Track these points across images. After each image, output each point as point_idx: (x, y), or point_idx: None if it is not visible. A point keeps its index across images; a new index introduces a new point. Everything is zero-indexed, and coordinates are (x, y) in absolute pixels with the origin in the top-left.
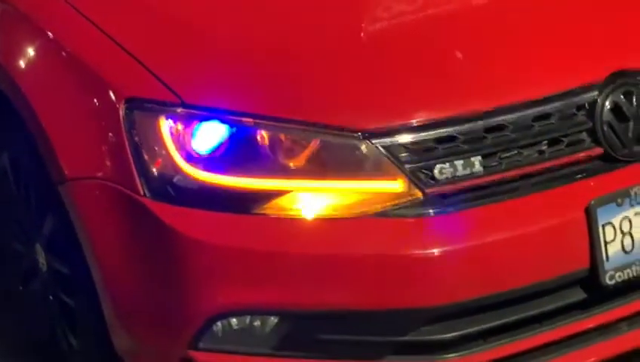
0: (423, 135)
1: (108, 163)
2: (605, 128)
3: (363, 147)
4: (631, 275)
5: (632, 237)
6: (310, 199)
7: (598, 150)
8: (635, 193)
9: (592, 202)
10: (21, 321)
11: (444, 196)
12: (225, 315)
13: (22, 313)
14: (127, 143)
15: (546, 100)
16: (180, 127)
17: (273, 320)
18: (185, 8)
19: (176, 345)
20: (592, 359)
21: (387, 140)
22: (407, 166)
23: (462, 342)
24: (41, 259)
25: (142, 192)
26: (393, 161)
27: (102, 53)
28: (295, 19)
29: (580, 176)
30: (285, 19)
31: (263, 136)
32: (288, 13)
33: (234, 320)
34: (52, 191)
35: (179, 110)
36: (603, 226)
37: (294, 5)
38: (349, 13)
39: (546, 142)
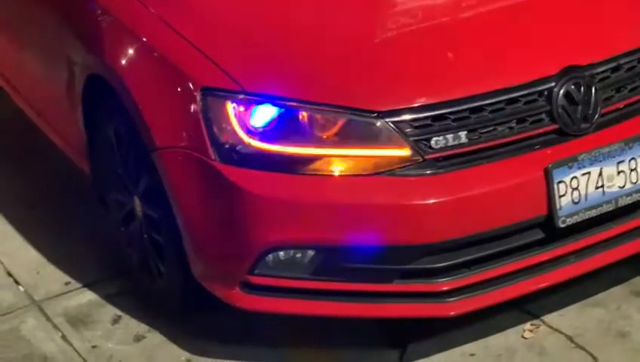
0: (423, 115)
1: (188, 135)
2: (560, 110)
3: (378, 124)
4: (578, 220)
5: (579, 192)
6: (338, 162)
7: (554, 127)
8: (582, 159)
9: (550, 165)
10: (122, 253)
11: (438, 160)
12: (275, 249)
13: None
14: (202, 121)
15: (515, 88)
16: (241, 108)
17: (311, 252)
18: (241, 19)
19: (238, 271)
20: (547, 283)
21: (396, 119)
22: (411, 138)
23: (451, 269)
24: (138, 207)
25: (213, 157)
26: (400, 134)
27: (183, 54)
28: (320, 21)
29: (540, 146)
30: (313, 22)
31: (303, 115)
32: (315, 16)
33: (281, 253)
34: (146, 156)
35: (241, 96)
36: (557, 184)
37: (318, 10)
38: (362, 18)
39: (514, 120)
